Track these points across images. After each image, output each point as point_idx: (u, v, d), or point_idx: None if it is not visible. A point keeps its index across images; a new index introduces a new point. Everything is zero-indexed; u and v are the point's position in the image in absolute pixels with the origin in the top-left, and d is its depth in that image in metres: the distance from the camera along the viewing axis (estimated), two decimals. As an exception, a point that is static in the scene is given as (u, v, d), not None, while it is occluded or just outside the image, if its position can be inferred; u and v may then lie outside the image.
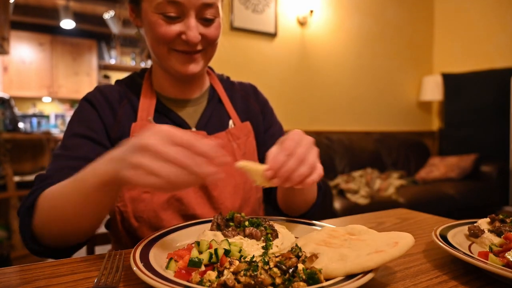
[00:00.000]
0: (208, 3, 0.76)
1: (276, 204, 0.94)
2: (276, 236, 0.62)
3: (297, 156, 0.61)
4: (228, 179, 0.87)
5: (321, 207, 0.93)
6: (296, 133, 0.64)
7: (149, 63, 0.99)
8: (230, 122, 0.95)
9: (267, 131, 1.02)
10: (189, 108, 0.92)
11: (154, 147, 0.47)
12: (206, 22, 0.79)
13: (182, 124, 0.88)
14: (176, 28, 0.77)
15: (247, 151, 0.93)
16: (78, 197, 0.59)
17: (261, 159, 0.99)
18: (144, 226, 0.80)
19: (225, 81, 1.02)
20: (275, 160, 0.59)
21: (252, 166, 0.62)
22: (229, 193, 0.87)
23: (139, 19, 0.83)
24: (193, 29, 0.76)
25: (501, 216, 0.68)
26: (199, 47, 0.80)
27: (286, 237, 0.63)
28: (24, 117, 5.36)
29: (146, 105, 0.86)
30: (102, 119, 0.83)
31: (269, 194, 0.99)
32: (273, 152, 0.62)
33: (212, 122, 0.92)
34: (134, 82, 0.91)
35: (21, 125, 3.14)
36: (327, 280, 0.44)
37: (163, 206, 0.80)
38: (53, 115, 5.76)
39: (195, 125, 0.90)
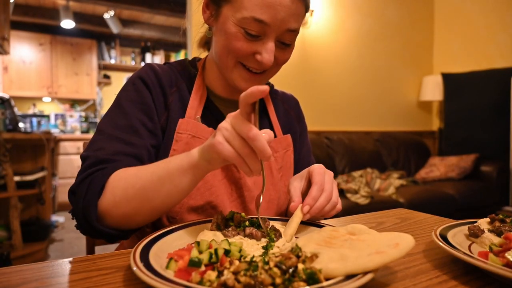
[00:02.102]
0: (292, 29, 0.74)
1: None
2: (280, 236, 0.62)
3: (326, 194, 0.68)
4: (263, 193, 0.87)
5: None
6: (321, 167, 0.72)
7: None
8: None
9: (299, 153, 1.01)
10: (234, 109, 0.89)
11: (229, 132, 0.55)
12: (283, 45, 0.76)
13: None
14: (253, 47, 0.74)
15: (284, 165, 0.92)
16: (162, 177, 0.62)
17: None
18: None
19: (271, 90, 1.00)
20: (312, 197, 0.67)
21: (294, 225, 0.65)
22: (263, 207, 0.86)
23: (213, 19, 0.79)
24: (270, 53, 0.74)
25: (501, 216, 0.68)
26: (268, 68, 0.78)
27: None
28: (24, 117, 5.36)
29: (196, 103, 0.84)
30: (156, 105, 0.80)
31: None
32: (298, 187, 0.72)
33: None
34: (187, 72, 0.88)
35: (21, 125, 3.15)
36: (327, 280, 0.44)
37: (197, 210, 0.79)
38: (53, 115, 5.76)
39: None
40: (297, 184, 0.74)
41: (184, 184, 0.62)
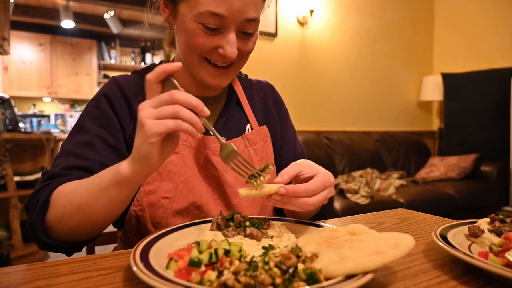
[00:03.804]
0: (251, 18, 0.73)
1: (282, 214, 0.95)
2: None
3: (315, 200, 0.63)
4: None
5: (328, 207, 0.92)
6: (330, 177, 0.67)
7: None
8: (248, 126, 0.93)
9: (281, 137, 1.01)
10: (207, 106, 0.89)
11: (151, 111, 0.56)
12: (245, 35, 0.76)
13: None
14: (214, 41, 0.73)
15: (264, 156, 0.92)
16: (96, 192, 0.61)
17: (278, 165, 0.97)
18: None
19: (244, 80, 1.00)
20: (303, 189, 0.62)
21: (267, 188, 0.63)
22: (248, 201, 0.87)
23: (172, 17, 0.79)
24: (232, 45, 0.73)
25: (501, 216, 0.67)
26: (232, 60, 0.77)
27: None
28: (24, 117, 5.36)
29: None
30: (120, 118, 0.80)
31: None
32: (294, 171, 0.66)
33: (230, 124, 0.90)
34: None
35: (21, 125, 3.14)
36: (327, 280, 0.44)
37: (182, 213, 0.79)
38: (53, 115, 5.76)
39: (213, 125, 0.88)
40: (296, 168, 0.67)
41: (122, 196, 0.62)
